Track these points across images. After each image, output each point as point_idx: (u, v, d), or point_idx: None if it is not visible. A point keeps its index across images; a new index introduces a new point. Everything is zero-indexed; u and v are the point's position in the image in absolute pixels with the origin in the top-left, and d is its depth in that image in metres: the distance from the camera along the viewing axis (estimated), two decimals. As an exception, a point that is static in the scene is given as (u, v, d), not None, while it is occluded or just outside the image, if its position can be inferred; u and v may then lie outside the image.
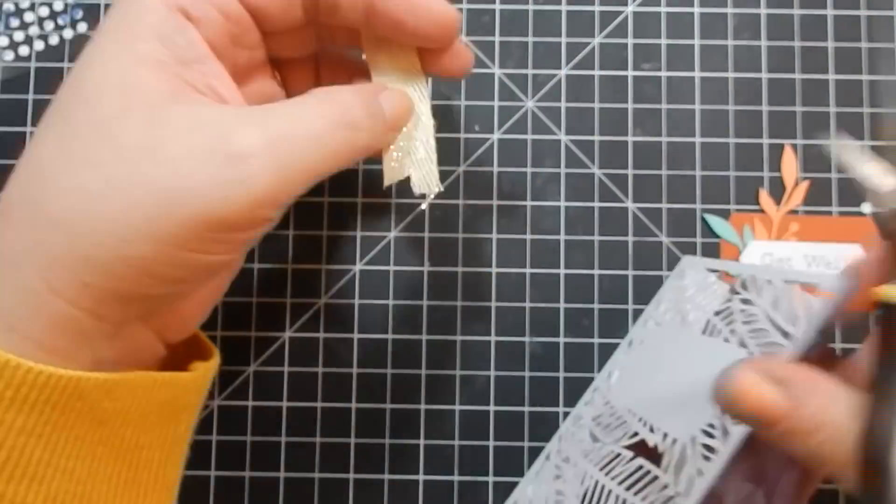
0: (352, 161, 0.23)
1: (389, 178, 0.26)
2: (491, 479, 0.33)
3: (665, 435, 0.25)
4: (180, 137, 0.20)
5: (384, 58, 0.26)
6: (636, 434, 0.27)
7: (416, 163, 0.26)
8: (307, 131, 0.21)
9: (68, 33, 0.35)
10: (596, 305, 0.34)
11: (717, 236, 0.34)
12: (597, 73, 0.35)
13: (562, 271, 0.34)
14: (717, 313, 0.28)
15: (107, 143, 0.20)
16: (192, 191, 0.19)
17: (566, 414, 0.33)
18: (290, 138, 0.21)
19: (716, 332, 0.27)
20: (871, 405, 0.19)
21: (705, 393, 0.22)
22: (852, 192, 0.34)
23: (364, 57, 0.27)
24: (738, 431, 0.23)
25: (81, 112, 0.20)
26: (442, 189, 0.26)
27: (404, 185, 0.26)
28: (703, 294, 0.30)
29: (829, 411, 0.20)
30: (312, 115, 0.22)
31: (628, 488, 0.26)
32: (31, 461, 0.19)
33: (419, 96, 0.26)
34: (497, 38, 0.35)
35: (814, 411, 0.20)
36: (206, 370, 0.25)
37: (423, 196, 0.27)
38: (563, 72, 0.35)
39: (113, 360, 0.21)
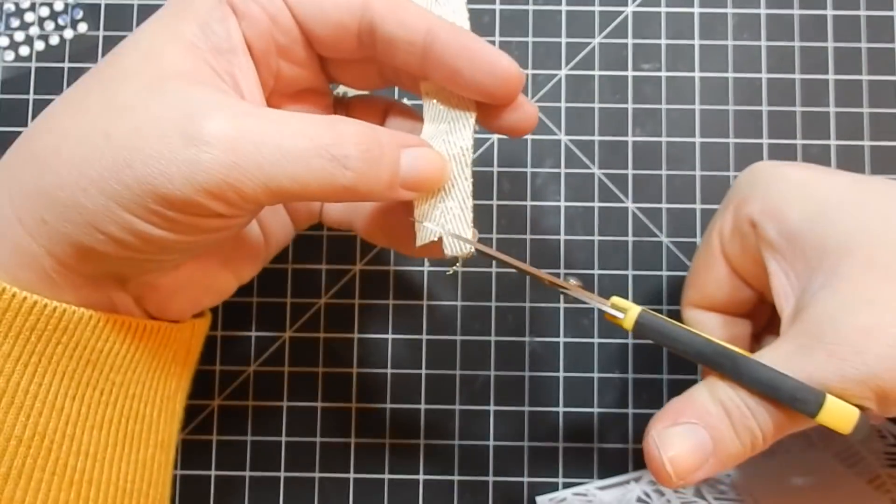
0: (334, 197, 0.21)
1: (420, 237, 0.24)
2: (491, 478, 0.33)
3: None
4: (160, 106, 0.20)
5: (438, 107, 0.25)
6: None
7: (450, 223, 0.24)
8: (279, 144, 0.20)
9: (69, 33, 0.35)
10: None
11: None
12: (597, 73, 0.35)
13: (562, 271, 0.34)
14: None
15: (104, 95, 0.21)
16: (144, 158, 0.19)
17: (566, 414, 0.33)
18: (256, 143, 0.19)
19: None
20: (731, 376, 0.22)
21: None
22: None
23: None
24: None
25: (106, 68, 0.22)
26: (473, 254, 0.24)
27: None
28: None
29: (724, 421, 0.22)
30: (298, 131, 0.20)
31: None
32: (18, 390, 0.20)
33: (462, 157, 0.24)
34: (497, 38, 0.35)
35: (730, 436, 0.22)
36: (193, 323, 0.25)
37: (454, 261, 0.24)
38: (563, 72, 0.35)
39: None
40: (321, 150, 0.20)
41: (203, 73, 0.21)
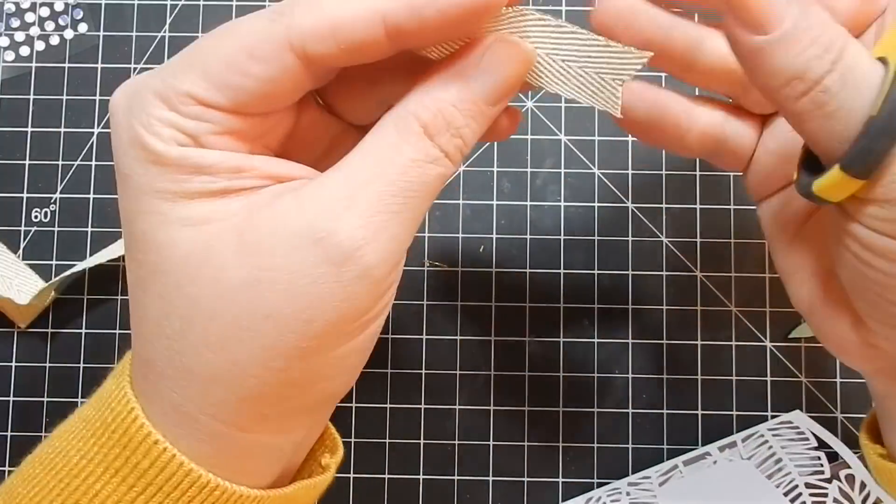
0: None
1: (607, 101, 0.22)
2: (491, 478, 0.33)
3: None
4: (280, 259, 0.18)
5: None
6: None
7: (596, 73, 0.21)
8: (400, 190, 0.19)
9: (69, 33, 0.35)
10: (596, 305, 0.34)
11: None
12: (597, 73, 0.35)
13: (562, 271, 0.34)
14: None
15: (211, 289, 0.19)
16: (318, 307, 0.18)
17: (566, 414, 0.33)
18: (387, 208, 0.19)
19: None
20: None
21: None
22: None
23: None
24: None
25: (174, 265, 0.19)
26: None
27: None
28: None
29: (831, 36, 0.18)
30: (397, 165, 0.19)
31: None
32: None
33: (526, 23, 0.20)
34: (497, 39, 0.35)
35: (818, 31, 0.18)
36: (335, 466, 0.25)
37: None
38: (564, 72, 0.35)
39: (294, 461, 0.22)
40: (425, 161, 0.19)
41: (250, 199, 0.19)
